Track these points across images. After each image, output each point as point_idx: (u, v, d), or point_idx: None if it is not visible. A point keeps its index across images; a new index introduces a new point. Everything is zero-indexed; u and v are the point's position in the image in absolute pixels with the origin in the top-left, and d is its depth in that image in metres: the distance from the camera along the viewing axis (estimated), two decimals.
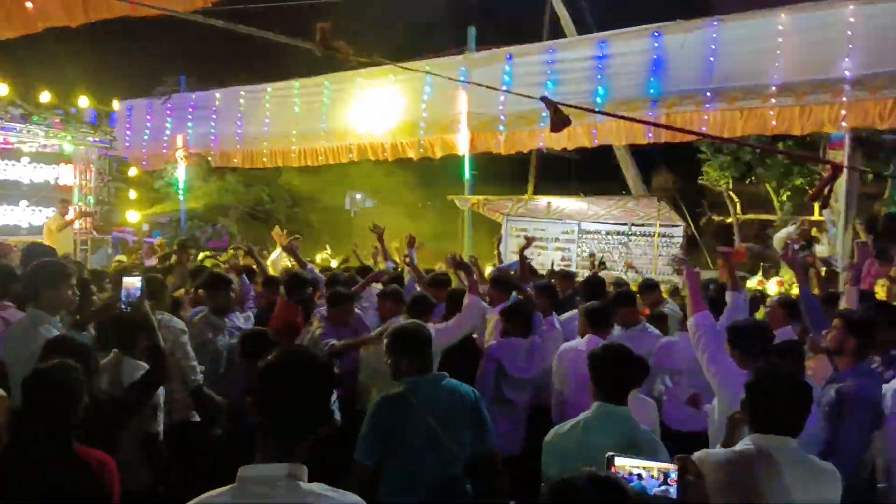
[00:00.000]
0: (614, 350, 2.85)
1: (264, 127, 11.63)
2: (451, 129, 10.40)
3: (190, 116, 12.51)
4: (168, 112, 12.70)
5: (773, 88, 7.36)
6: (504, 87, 9.36)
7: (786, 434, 2.29)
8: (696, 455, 2.29)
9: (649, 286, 6.09)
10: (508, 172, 15.32)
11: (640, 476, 1.79)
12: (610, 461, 1.80)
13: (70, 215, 10.08)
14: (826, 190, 3.91)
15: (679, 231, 9.56)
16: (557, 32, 11.89)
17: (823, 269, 8.49)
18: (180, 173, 12.70)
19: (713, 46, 7.64)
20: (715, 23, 7.64)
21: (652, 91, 8.07)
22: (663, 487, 1.77)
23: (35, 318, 3.43)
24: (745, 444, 2.35)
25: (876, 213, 10.44)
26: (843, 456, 3.36)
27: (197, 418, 4.31)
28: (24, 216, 10.71)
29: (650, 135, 8.26)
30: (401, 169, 12.56)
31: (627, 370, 2.80)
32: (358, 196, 30.34)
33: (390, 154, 10.66)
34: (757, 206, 14.14)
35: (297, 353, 1.82)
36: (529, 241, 5.92)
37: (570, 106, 4.24)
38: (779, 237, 9.51)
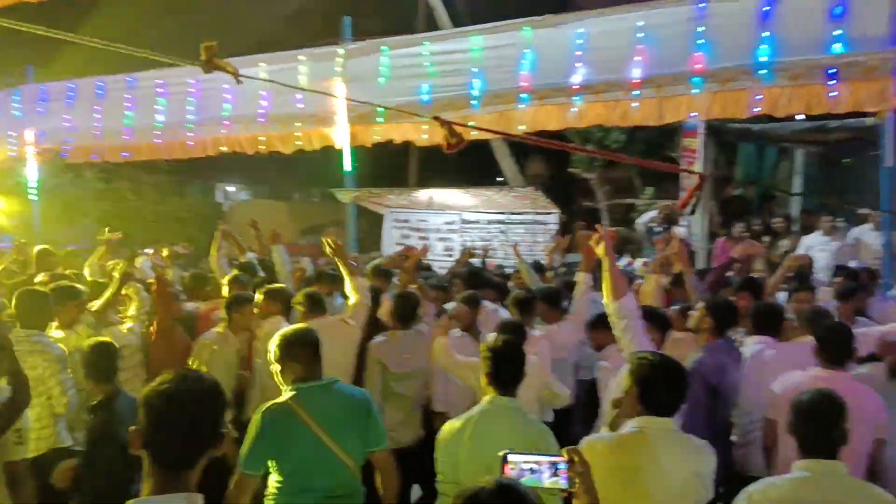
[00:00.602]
0: (510, 345, 2.92)
1: (126, 119, 10.86)
2: (329, 121, 10.20)
3: (41, 110, 11.44)
4: (16, 106, 11.56)
5: (635, 81, 7.77)
6: (381, 80, 9.31)
7: (665, 415, 2.44)
8: (585, 440, 2.41)
9: None
10: (389, 164, 15.30)
11: (532, 470, 1.86)
12: (504, 459, 1.90)
13: None
14: (693, 200, 4.18)
15: (554, 218, 9.93)
16: (433, 24, 11.96)
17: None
18: (31, 171, 11.60)
19: (579, 41, 7.95)
20: (581, 18, 7.95)
21: (523, 84, 8.28)
22: (554, 478, 1.86)
23: None
24: (630, 426, 2.48)
25: (728, 196, 11.38)
26: (690, 426, 3.69)
27: (69, 443, 3.99)
28: None
29: (522, 127, 8.48)
30: (279, 161, 12.19)
31: (521, 365, 2.88)
32: (230, 188, 29.14)
33: (266, 146, 10.32)
34: (622, 192, 14.97)
35: (182, 379, 1.70)
36: (424, 251, 6.03)
37: (462, 125, 4.29)
38: (641, 222, 10.13)
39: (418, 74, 9.03)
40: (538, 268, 6.70)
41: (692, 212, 8.34)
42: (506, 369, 2.87)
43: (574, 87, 8.02)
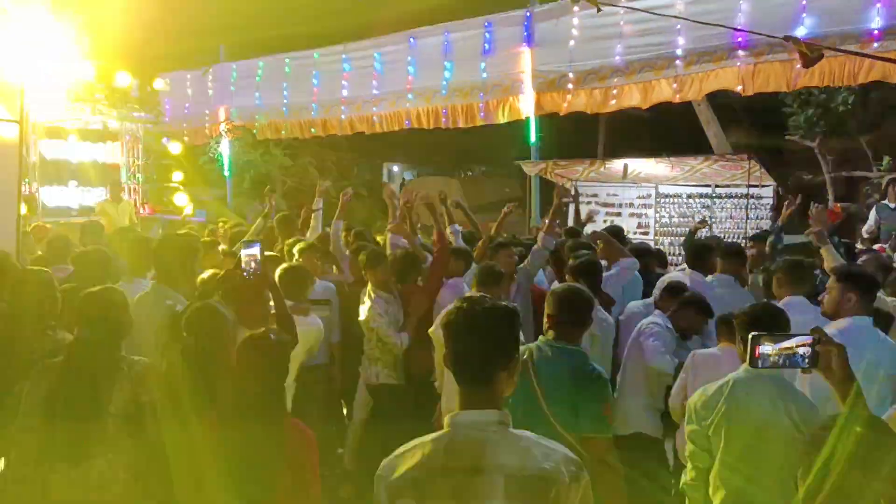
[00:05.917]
0: None
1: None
2: (514, 90, 10.21)
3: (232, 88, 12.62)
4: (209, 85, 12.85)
5: None
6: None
7: None
8: None
9: None
10: (574, 135, 15.10)
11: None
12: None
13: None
14: None
15: (769, 192, 9.29)
16: None
17: None
18: (224, 148, 12.80)
19: None
20: None
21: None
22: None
23: None
24: None
25: None
26: None
27: None
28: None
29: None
30: (444, 136, 12.49)
31: None
32: (395, 167, 30.15)
33: (451, 121, 10.61)
34: (848, 163, 13.66)
35: (478, 300, 1.88)
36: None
37: (814, 45, 4.40)
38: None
39: (610, 35, 8.87)
40: None
41: None
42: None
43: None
